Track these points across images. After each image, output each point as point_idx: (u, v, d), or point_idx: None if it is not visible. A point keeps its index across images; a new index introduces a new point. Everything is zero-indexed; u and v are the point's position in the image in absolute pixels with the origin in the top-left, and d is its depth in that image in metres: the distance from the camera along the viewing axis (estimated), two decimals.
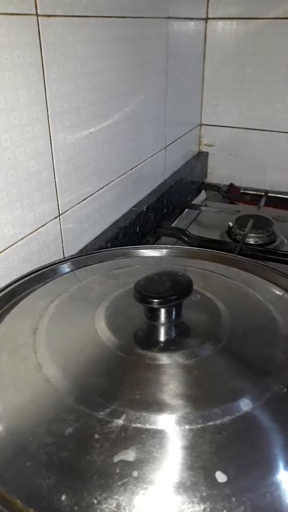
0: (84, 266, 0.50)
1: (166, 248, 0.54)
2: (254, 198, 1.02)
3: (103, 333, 0.36)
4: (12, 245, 0.48)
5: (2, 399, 0.31)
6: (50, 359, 0.33)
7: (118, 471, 0.26)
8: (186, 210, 0.94)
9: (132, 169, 0.72)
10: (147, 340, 0.35)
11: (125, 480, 0.25)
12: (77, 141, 0.55)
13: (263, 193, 0.99)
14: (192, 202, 1.01)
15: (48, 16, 0.46)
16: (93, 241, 0.63)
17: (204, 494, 0.25)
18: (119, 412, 0.29)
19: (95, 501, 0.24)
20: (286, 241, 0.80)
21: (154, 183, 0.84)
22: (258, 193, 1.02)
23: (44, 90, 0.47)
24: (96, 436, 0.27)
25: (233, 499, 0.24)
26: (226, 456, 0.27)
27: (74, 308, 0.41)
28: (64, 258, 0.53)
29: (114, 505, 0.24)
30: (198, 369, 0.32)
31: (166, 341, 0.35)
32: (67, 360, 0.34)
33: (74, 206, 0.57)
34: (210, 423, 0.28)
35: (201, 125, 1.05)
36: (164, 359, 0.33)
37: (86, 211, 0.60)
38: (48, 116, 0.49)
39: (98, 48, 0.56)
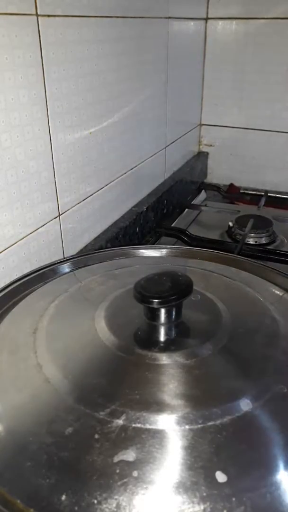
0: (84, 266, 0.50)
1: (166, 248, 0.54)
2: (254, 198, 1.02)
3: (103, 333, 0.36)
4: (12, 245, 0.48)
5: (2, 399, 0.31)
6: (50, 359, 0.33)
7: (118, 471, 0.26)
8: (186, 210, 0.94)
9: (132, 169, 0.72)
10: (147, 340, 0.35)
11: (125, 480, 0.25)
12: (77, 141, 0.55)
13: (263, 193, 0.99)
14: (192, 202, 1.01)
15: (48, 16, 0.46)
16: (93, 241, 0.63)
17: (204, 494, 0.25)
18: (119, 412, 0.29)
19: (95, 501, 0.24)
20: (286, 241, 0.80)
21: (154, 183, 0.84)
22: (258, 193, 1.02)
23: (44, 90, 0.47)
24: (96, 436, 0.27)
25: (233, 499, 0.24)
26: (226, 456, 0.27)
27: (74, 308, 0.41)
28: (64, 258, 0.53)
29: (114, 505, 0.24)
30: (198, 369, 0.32)
31: (166, 341, 0.35)
32: (67, 360, 0.34)
33: (74, 206, 0.57)
34: (210, 423, 0.28)
35: (201, 125, 1.05)
36: (164, 359, 0.33)
37: (86, 211, 0.60)
38: (48, 116, 0.49)
39: (98, 48, 0.56)
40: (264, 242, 0.78)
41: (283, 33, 0.89)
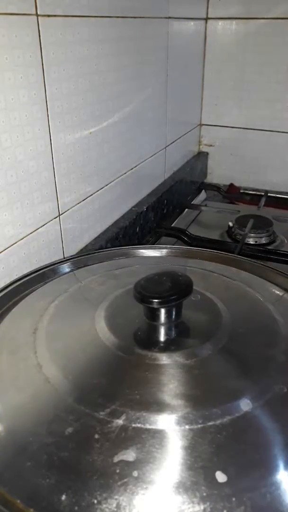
0: (84, 266, 0.50)
1: (166, 248, 0.54)
2: (254, 198, 1.02)
3: (103, 333, 0.36)
4: (12, 245, 0.48)
5: (2, 399, 0.31)
6: (50, 359, 0.33)
7: (118, 471, 0.26)
8: (186, 210, 0.94)
9: (132, 169, 0.72)
10: (147, 340, 0.35)
11: (125, 480, 0.25)
12: (77, 141, 0.55)
13: (263, 193, 0.99)
14: (192, 202, 1.01)
15: (48, 16, 0.46)
16: (93, 241, 0.63)
17: (204, 494, 0.25)
18: (119, 412, 0.29)
19: (95, 501, 0.24)
20: (286, 241, 0.80)
21: (154, 183, 0.84)
22: (258, 193, 1.02)
23: (44, 90, 0.47)
24: (96, 436, 0.27)
25: (233, 499, 0.24)
26: (226, 456, 0.27)
27: (74, 308, 0.41)
28: (64, 258, 0.53)
29: (114, 505, 0.24)
30: (198, 369, 0.32)
31: (166, 341, 0.35)
32: (67, 360, 0.34)
33: (74, 206, 0.57)
34: (210, 423, 0.28)
35: (201, 125, 1.05)
36: (164, 359, 0.33)
37: (86, 211, 0.60)
38: (48, 116, 0.49)
39: (98, 48, 0.56)
40: (264, 242, 0.78)
41: (283, 33, 0.89)
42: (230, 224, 0.82)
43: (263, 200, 0.95)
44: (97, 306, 0.39)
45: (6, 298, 0.42)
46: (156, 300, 0.35)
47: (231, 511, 0.24)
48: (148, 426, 0.28)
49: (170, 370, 0.32)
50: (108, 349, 0.34)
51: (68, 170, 0.54)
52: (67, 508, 0.24)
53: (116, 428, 0.28)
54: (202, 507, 0.24)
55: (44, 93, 0.47)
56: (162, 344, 0.35)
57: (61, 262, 0.50)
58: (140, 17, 0.65)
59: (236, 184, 1.06)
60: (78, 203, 0.58)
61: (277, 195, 1.01)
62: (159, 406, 0.29)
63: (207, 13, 0.93)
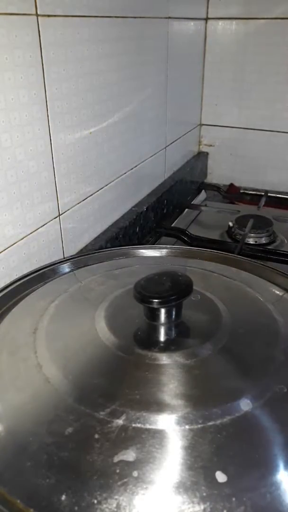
0: (84, 266, 0.50)
1: (166, 248, 0.54)
2: (254, 198, 1.02)
3: (103, 333, 0.36)
4: (12, 245, 0.48)
5: (2, 399, 0.31)
6: (50, 359, 0.33)
7: (118, 471, 0.26)
8: (186, 210, 0.94)
9: (132, 169, 0.72)
10: (147, 340, 0.35)
11: (125, 480, 0.25)
12: (77, 141, 0.55)
13: (263, 193, 0.99)
14: (192, 202, 1.01)
15: (48, 16, 0.46)
16: (93, 241, 0.63)
17: (204, 494, 0.25)
18: (119, 412, 0.29)
19: (95, 501, 0.24)
20: (286, 241, 0.80)
21: (154, 183, 0.84)
22: (258, 193, 1.02)
23: (44, 90, 0.47)
24: (96, 436, 0.27)
25: (233, 499, 0.24)
26: (226, 456, 0.27)
27: (74, 308, 0.41)
28: (64, 258, 0.53)
29: (114, 505, 0.24)
30: (198, 369, 0.32)
31: (166, 341, 0.35)
32: (67, 360, 0.34)
33: (74, 206, 0.57)
34: (210, 423, 0.28)
35: (201, 125, 1.05)
36: (164, 359, 0.33)
37: (86, 211, 0.60)
38: (48, 116, 0.49)
39: (98, 48, 0.56)
40: (264, 242, 0.78)
41: (283, 33, 0.89)
42: (230, 224, 0.82)
43: (263, 200, 0.95)
44: (97, 306, 0.39)
45: (6, 298, 0.42)
46: (156, 300, 0.35)
47: (231, 511, 0.24)
48: (148, 426, 0.28)
49: (170, 370, 0.32)
50: (108, 349, 0.34)
51: (68, 170, 0.54)
52: (67, 508, 0.24)
53: (116, 428, 0.28)
54: (202, 507, 0.24)
55: (44, 93, 0.47)
56: (162, 344, 0.35)
57: (61, 262, 0.50)
58: (140, 17, 0.65)
59: (236, 184, 1.06)
60: (78, 203, 0.58)
61: (277, 195, 1.01)
62: (159, 406, 0.29)
63: (207, 13, 0.93)
